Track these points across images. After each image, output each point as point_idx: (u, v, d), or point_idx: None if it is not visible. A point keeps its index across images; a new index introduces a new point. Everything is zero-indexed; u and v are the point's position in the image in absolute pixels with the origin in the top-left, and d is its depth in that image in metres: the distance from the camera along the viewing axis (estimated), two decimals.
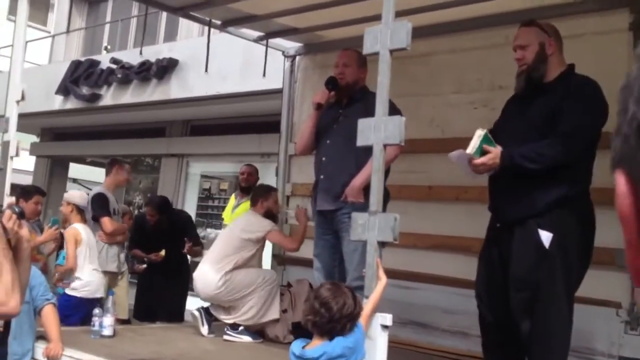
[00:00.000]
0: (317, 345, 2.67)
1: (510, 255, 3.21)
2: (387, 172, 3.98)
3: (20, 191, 5.56)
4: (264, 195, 5.13)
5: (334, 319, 2.62)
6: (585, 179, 3.21)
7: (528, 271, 3.14)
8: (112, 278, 5.64)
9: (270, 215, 5.04)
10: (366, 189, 3.63)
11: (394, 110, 3.64)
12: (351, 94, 4.30)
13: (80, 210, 5.48)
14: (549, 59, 3.28)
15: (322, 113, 4.37)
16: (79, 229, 5.34)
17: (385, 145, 2.80)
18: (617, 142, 0.43)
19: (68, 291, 5.24)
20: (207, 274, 4.75)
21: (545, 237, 3.09)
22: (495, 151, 3.16)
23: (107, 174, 5.95)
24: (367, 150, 3.39)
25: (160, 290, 6.32)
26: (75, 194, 5.77)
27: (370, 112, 3.64)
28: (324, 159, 4.36)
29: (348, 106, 4.28)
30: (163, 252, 6.32)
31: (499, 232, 3.35)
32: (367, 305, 2.84)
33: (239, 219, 5.23)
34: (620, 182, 0.42)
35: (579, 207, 3.17)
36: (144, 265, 6.43)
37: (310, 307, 2.68)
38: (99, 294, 5.28)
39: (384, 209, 3.93)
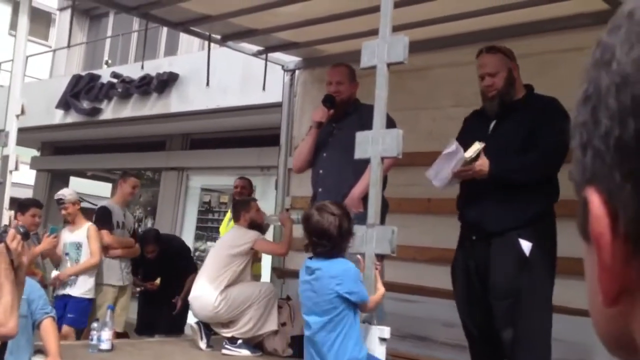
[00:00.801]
0: (319, 259, 2.98)
1: (489, 265, 3.29)
2: (384, 182, 4.01)
3: (17, 205, 5.57)
4: (245, 207, 5.15)
5: (331, 239, 2.91)
6: (557, 192, 3.35)
7: (510, 279, 3.22)
8: (117, 291, 5.67)
9: (255, 225, 5.04)
10: (365, 198, 3.66)
11: (389, 122, 3.68)
12: (345, 108, 4.35)
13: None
14: (516, 82, 3.49)
15: (321, 131, 4.41)
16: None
17: (382, 158, 2.81)
18: (587, 159, 0.40)
19: (81, 295, 5.29)
20: (202, 296, 4.75)
21: (526, 246, 3.19)
22: (485, 161, 3.27)
23: (116, 188, 6.06)
24: (364, 161, 3.42)
25: (161, 304, 6.29)
26: (70, 192, 5.74)
27: (364, 123, 3.69)
28: (321, 171, 4.38)
29: (342, 119, 4.33)
30: (158, 281, 6.35)
31: (474, 245, 3.43)
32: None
33: (225, 236, 5.24)
34: (595, 202, 0.40)
35: (552, 219, 3.33)
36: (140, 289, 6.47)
37: (306, 233, 3.00)
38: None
39: (383, 220, 3.96)
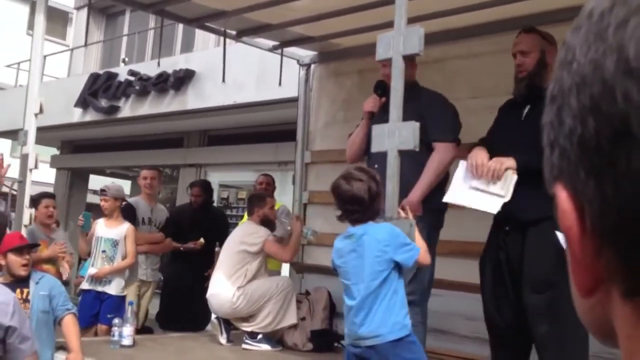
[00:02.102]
0: (360, 225, 2.97)
1: (524, 258, 3.19)
2: (447, 175, 3.92)
3: (30, 202, 5.61)
4: (259, 203, 5.15)
5: (349, 199, 2.94)
6: None
7: (548, 272, 3.09)
8: (140, 286, 5.71)
9: (268, 221, 5.04)
10: (424, 200, 3.63)
11: (450, 109, 3.71)
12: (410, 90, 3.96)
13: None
14: (548, 67, 3.28)
15: (377, 120, 3.91)
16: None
17: (399, 151, 2.79)
18: (555, 157, 0.42)
19: (117, 293, 5.36)
20: (220, 293, 4.76)
21: (563, 237, 3.06)
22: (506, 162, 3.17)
23: (135, 185, 6.12)
24: (424, 153, 3.32)
25: (186, 297, 6.20)
26: (116, 188, 5.69)
27: (422, 110, 3.56)
28: (376, 166, 4.20)
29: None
30: (202, 240, 6.14)
31: (507, 236, 3.33)
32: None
33: (237, 231, 5.23)
34: (562, 197, 0.42)
35: None
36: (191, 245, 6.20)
37: (338, 203, 3.02)
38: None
39: (442, 218, 3.92)
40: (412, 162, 3.50)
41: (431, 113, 3.75)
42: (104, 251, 5.38)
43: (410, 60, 3.69)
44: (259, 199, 5.24)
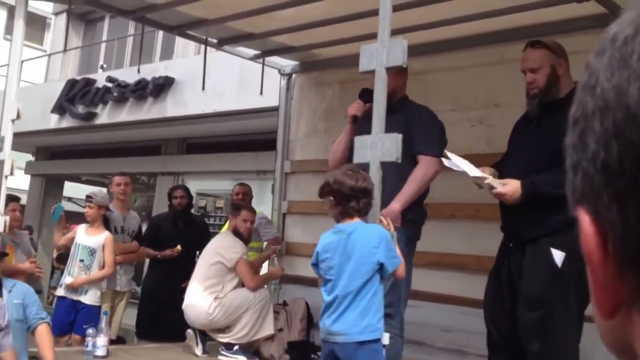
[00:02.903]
0: (351, 222, 2.97)
1: (522, 274, 3.18)
2: (427, 190, 3.93)
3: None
4: (233, 212, 5.13)
5: (352, 192, 2.91)
6: None
7: (542, 290, 3.10)
8: (114, 296, 5.64)
9: (238, 234, 4.99)
10: (403, 212, 3.61)
11: (438, 125, 3.62)
12: (390, 104, 3.79)
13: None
14: (560, 80, 3.25)
15: (359, 127, 3.94)
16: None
17: (382, 163, 2.79)
18: (578, 180, 0.43)
19: (93, 303, 5.29)
20: (197, 304, 4.71)
21: (558, 256, 3.05)
22: (514, 183, 3.11)
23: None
24: (409, 165, 3.31)
25: (163, 307, 6.11)
26: (102, 195, 5.60)
27: (409, 122, 3.56)
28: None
29: (387, 117, 4.06)
30: (179, 247, 6.06)
31: (511, 252, 3.32)
32: None
33: (213, 241, 5.15)
34: (585, 222, 0.42)
35: None
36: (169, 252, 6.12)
37: (327, 191, 2.99)
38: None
39: (419, 231, 3.92)
40: (396, 173, 3.50)
41: (418, 126, 3.77)
42: (81, 260, 5.31)
43: (401, 71, 3.78)
44: (234, 208, 5.23)
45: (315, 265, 3.12)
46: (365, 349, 2.89)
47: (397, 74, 3.77)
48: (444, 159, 3.29)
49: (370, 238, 2.93)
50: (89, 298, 5.29)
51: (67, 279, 5.29)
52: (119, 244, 5.73)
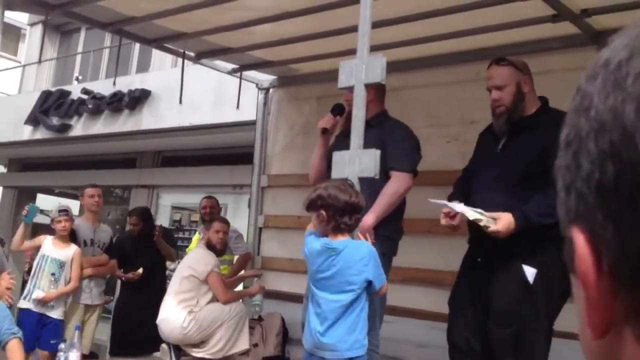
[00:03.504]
0: (341, 239, 2.94)
1: (493, 290, 3.16)
2: (403, 206, 3.94)
3: None
4: (207, 225, 5.14)
5: (346, 207, 2.89)
6: None
7: (513, 307, 3.09)
8: (85, 310, 5.55)
9: (211, 246, 4.98)
10: (376, 227, 3.61)
11: (411, 139, 3.61)
12: (368, 120, 4.01)
13: None
14: (526, 97, 3.26)
15: (340, 142, 4.04)
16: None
17: (359, 178, 2.80)
18: (571, 201, 0.43)
19: (59, 317, 5.22)
20: (170, 318, 4.68)
21: (530, 272, 3.05)
22: (505, 217, 3.06)
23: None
24: (382, 180, 3.32)
25: (135, 322, 6.06)
26: (70, 209, 5.54)
27: (384, 138, 3.58)
28: None
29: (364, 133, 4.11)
30: (140, 270, 6.13)
31: (479, 267, 3.30)
32: None
33: (188, 255, 5.19)
34: (580, 242, 0.42)
35: (559, 243, 3.16)
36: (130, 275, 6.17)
37: (319, 205, 2.94)
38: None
39: (396, 247, 3.92)
40: (369, 188, 3.50)
41: (392, 141, 3.79)
42: (53, 274, 5.23)
43: (379, 89, 3.90)
44: (208, 222, 5.24)
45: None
46: None
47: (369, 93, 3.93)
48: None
49: (362, 255, 2.93)
50: (57, 312, 5.22)
51: (37, 293, 5.19)
52: (88, 257, 5.66)
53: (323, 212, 2.93)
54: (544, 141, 2.95)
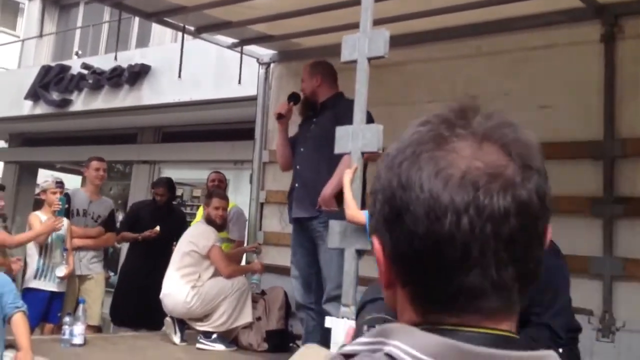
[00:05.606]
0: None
1: None
2: (364, 181, 3.99)
3: None
4: (205, 200, 5.16)
5: None
6: None
7: None
8: (78, 280, 5.55)
9: (210, 221, 5.00)
10: (339, 196, 3.64)
11: (367, 117, 3.66)
12: (323, 103, 4.34)
13: None
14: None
15: (300, 129, 4.50)
16: None
17: (363, 153, 2.81)
18: (373, 222, 0.75)
19: (63, 290, 5.24)
20: (173, 293, 4.71)
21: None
22: None
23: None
24: (338, 156, 3.40)
25: (141, 294, 5.89)
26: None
27: (338, 118, 3.69)
28: (298, 167, 4.39)
29: (320, 114, 4.33)
30: (157, 228, 6.04)
31: None
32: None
33: (189, 230, 5.18)
34: (376, 243, 0.75)
35: None
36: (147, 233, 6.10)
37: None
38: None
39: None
40: (316, 166, 3.99)
41: (346, 120, 3.84)
42: (65, 249, 5.23)
43: (313, 73, 4.36)
44: (207, 197, 5.25)
45: None
46: None
47: (311, 78, 4.36)
48: None
49: None
50: (63, 285, 5.25)
51: (60, 270, 5.17)
52: (78, 227, 5.59)
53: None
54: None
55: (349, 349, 0.71)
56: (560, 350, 2.88)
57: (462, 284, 0.68)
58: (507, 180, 0.68)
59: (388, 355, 0.66)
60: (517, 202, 0.68)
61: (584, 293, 3.93)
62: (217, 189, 5.76)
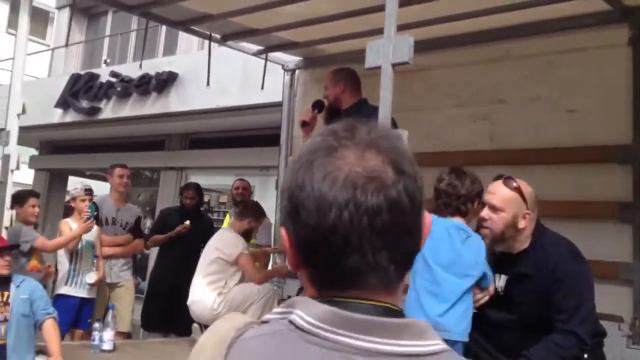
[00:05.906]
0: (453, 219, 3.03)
1: None
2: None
3: (13, 198, 5.46)
4: (240, 214, 5.23)
5: (461, 195, 3.02)
6: None
7: None
8: (108, 288, 5.63)
9: (246, 233, 5.10)
10: None
11: (394, 126, 3.66)
12: (347, 110, 4.32)
13: None
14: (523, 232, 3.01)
15: (310, 132, 4.44)
16: None
17: None
18: (282, 215, 0.89)
19: (94, 296, 5.32)
20: (200, 300, 4.75)
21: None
22: None
23: None
24: None
25: (171, 300, 5.94)
26: None
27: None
28: None
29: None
30: (188, 222, 6.16)
31: None
32: None
33: (215, 237, 5.20)
34: (283, 232, 0.89)
35: None
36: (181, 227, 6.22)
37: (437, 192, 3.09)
38: None
39: None
40: None
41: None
42: (95, 256, 5.32)
43: (336, 80, 4.36)
44: (242, 209, 5.33)
45: None
46: (458, 350, 2.88)
47: (334, 85, 4.36)
48: None
49: (479, 242, 2.93)
50: (94, 292, 5.32)
51: (91, 277, 5.25)
52: (107, 236, 5.69)
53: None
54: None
55: (266, 317, 0.87)
56: (585, 355, 2.85)
57: (345, 266, 0.82)
58: (381, 182, 0.82)
59: (290, 321, 0.82)
60: (389, 199, 0.81)
61: (613, 299, 3.87)
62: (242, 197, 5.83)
